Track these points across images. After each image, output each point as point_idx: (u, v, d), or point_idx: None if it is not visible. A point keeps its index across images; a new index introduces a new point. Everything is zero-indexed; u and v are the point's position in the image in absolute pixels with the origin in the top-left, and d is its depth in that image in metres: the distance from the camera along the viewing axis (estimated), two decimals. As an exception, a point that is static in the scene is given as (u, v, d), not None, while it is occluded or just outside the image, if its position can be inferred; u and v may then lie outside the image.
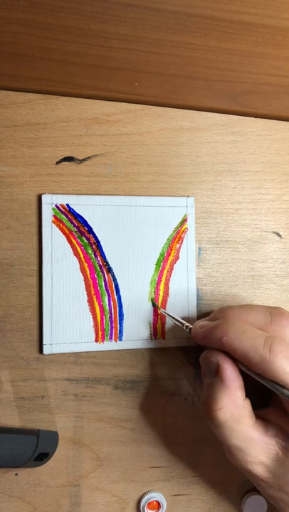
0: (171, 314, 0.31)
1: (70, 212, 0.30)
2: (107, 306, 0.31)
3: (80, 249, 0.30)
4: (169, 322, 0.32)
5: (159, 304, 0.31)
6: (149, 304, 0.31)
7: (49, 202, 0.30)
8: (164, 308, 0.31)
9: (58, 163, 0.31)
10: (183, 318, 0.32)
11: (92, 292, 0.30)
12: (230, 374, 0.25)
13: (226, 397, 0.25)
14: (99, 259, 0.31)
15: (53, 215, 0.30)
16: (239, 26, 0.23)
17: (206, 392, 0.26)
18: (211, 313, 0.29)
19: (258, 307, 0.28)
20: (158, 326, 0.31)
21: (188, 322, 0.30)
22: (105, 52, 0.26)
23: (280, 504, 0.26)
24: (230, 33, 0.24)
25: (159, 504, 0.31)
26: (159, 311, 0.31)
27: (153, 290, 0.31)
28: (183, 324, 0.29)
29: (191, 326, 0.29)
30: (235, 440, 0.25)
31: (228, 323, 0.25)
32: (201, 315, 0.32)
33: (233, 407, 0.25)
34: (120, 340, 0.31)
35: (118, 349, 0.31)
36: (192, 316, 0.32)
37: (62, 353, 0.30)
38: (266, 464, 0.25)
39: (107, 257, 0.31)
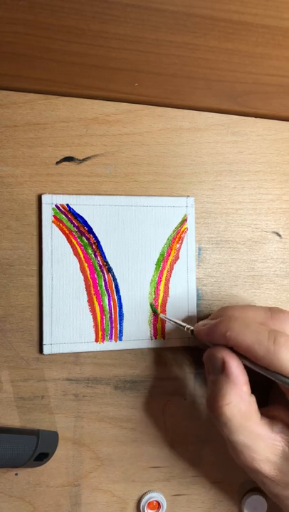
0: (171, 318, 0.31)
1: (70, 212, 0.30)
2: (107, 306, 0.31)
3: (80, 249, 0.30)
4: (169, 322, 0.32)
5: (159, 304, 0.31)
6: (149, 304, 0.31)
7: (49, 202, 0.30)
8: (164, 308, 0.32)
9: (58, 163, 0.31)
10: (183, 319, 0.32)
11: (92, 292, 0.30)
12: (236, 369, 0.25)
13: (233, 393, 0.25)
14: (99, 259, 0.31)
15: (53, 215, 0.30)
16: (239, 26, 0.23)
17: (212, 389, 0.26)
18: (211, 314, 0.30)
19: (257, 306, 0.28)
20: (158, 326, 0.31)
21: (188, 324, 0.30)
22: (105, 52, 0.26)
23: (287, 502, 0.26)
24: (230, 33, 0.24)
25: (159, 504, 0.31)
26: (159, 316, 0.31)
27: (153, 290, 0.31)
28: (184, 327, 0.29)
29: (191, 328, 0.29)
30: (242, 437, 0.25)
31: (231, 318, 0.26)
32: (201, 315, 0.32)
33: (240, 402, 0.25)
34: (120, 340, 0.31)
35: (118, 349, 0.31)
36: (192, 316, 0.32)
37: (62, 353, 0.30)
38: (273, 460, 0.25)
39: (107, 257, 0.31)
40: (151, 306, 0.31)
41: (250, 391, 0.26)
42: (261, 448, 0.25)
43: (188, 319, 0.32)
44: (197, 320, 0.32)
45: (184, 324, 0.30)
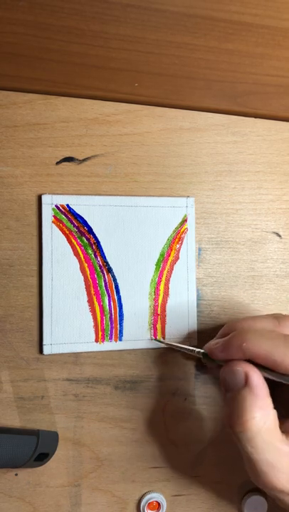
0: (179, 345, 0.30)
1: (70, 212, 0.30)
2: (107, 307, 0.31)
3: (80, 249, 0.30)
4: (169, 322, 0.32)
5: (159, 304, 0.31)
6: (149, 304, 0.31)
7: (49, 202, 0.30)
8: (164, 308, 0.32)
9: (58, 163, 0.31)
10: (183, 320, 0.32)
11: (92, 292, 0.30)
12: (259, 380, 0.24)
13: (258, 406, 0.24)
14: (99, 259, 0.31)
15: (53, 216, 0.30)
16: (239, 27, 0.23)
17: (233, 405, 0.25)
18: (218, 332, 0.29)
19: (262, 315, 0.28)
20: (158, 326, 0.31)
21: (188, 334, 0.30)
22: (105, 52, 0.26)
23: None
24: (230, 33, 0.24)
25: (159, 504, 0.31)
26: (165, 343, 0.31)
27: (153, 290, 0.31)
28: (193, 351, 0.29)
29: (202, 350, 0.28)
30: (268, 455, 0.24)
31: (243, 330, 0.25)
32: (201, 315, 0.32)
33: (265, 416, 0.24)
34: (120, 340, 0.31)
35: (118, 349, 0.31)
36: (192, 316, 0.32)
37: (62, 353, 0.30)
38: None
39: (107, 257, 0.31)
40: (157, 340, 0.31)
41: (272, 405, 0.25)
42: (286, 466, 0.24)
43: (188, 323, 0.32)
44: (197, 335, 0.32)
45: (192, 348, 0.29)
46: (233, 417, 0.25)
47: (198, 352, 0.28)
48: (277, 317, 0.27)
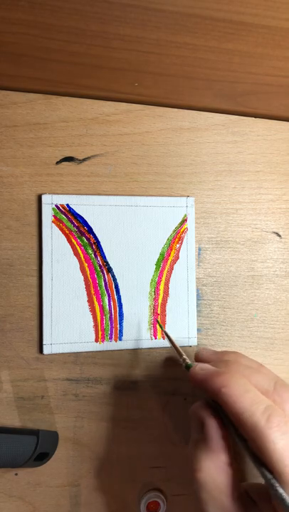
0: (172, 339, 0.30)
1: (70, 212, 0.30)
2: (107, 306, 0.31)
3: (80, 249, 0.30)
4: (168, 322, 0.32)
5: (159, 304, 0.31)
6: (149, 304, 0.31)
7: (49, 202, 0.30)
8: (164, 308, 0.31)
9: (58, 163, 0.31)
10: (182, 320, 0.32)
11: (92, 292, 0.30)
12: (215, 434, 0.23)
13: (208, 460, 0.23)
14: (99, 259, 0.31)
15: (53, 215, 0.30)
16: (239, 27, 0.23)
17: (191, 448, 0.25)
18: (217, 354, 0.28)
19: (264, 371, 0.26)
20: (158, 326, 0.31)
21: (188, 333, 0.29)
22: (105, 52, 0.26)
23: None
24: (230, 33, 0.24)
25: (159, 504, 0.31)
26: (162, 330, 0.31)
27: (153, 290, 0.31)
28: (181, 355, 0.28)
29: (188, 361, 0.27)
30: (212, 509, 0.22)
31: (233, 376, 0.23)
32: (201, 315, 0.32)
33: (215, 471, 0.23)
34: (120, 340, 0.31)
35: (118, 349, 0.31)
36: (192, 316, 0.32)
37: (62, 353, 0.30)
38: None
39: (107, 257, 0.31)
40: (158, 322, 0.31)
41: (230, 461, 0.23)
42: None
43: (188, 322, 0.32)
44: (197, 335, 0.32)
45: (182, 352, 0.28)
46: (189, 460, 0.24)
47: (184, 360, 0.27)
48: (277, 382, 0.24)
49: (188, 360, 0.27)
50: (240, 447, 0.22)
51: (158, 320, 0.31)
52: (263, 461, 0.21)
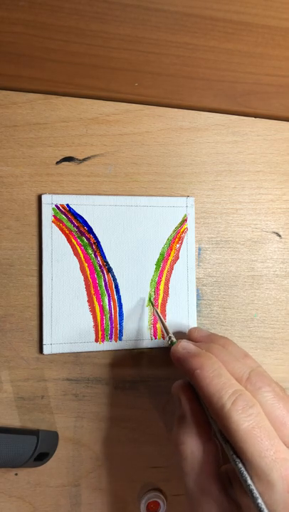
0: (162, 318, 0.30)
1: (70, 212, 0.30)
2: (107, 306, 0.31)
3: (80, 249, 0.30)
4: (169, 322, 0.32)
5: (159, 304, 0.31)
6: (149, 304, 0.31)
7: (49, 202, 0.30)
8: (164, 308, 0.31)
9: (58, 163, 0.31)
10: (182, 320, 0.32)
11: (92, 292, 0.30)
12: (189, 410, 0.25)
13: (186, 434, 0.24)
14: (99, 259, 0.31)
15: (53, 215, 0.30)
16: (239, 26, 0.23)
17: (175, 423, 0.26)
18: (209, 336, 0.28)
19: (246, 361, 0.26)
20: (158, 326, 0.31)
21: (188, 321, 0.29)
22: (105, 52, 0.26)
23: None
24: (230, 33, 0.24)
25: (159, 504, 0.31)
26: (153, 310, 0.31)
27: (153, 290, 0.31)
28: (168, 333, 0.29)
29: (174, 339, 0.28)
30: (192, 484, 0.23)
31: (209, 359, 0.24)
32: (201, 314, 0.32)
33: (194, 445, 0.24)
34: (120, 340, 0.31)
35: (118, 349, 0.31)
36: (192, 316, 0.32)
37: (62, 353, 0.30)
38: None
39: (107, 257, 0.31)
40: (150, 300, 0.31)
41: (207, 437, 0.24)
42: (207, 506, 0.23)
43: (188, 319, 0.32)
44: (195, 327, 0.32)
45: (168, 330, 0.29)
46: (172, 436, 0.25)
47: (170, 338, 0.28)
48: (253, 370, 0.24)
49: (173, 339, 0.28)
50: (213, 428, 0.24)
51: (150, 297, 0.31)
52: (229, 441, 0.22)
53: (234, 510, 0.22)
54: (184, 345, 0.26)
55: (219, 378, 0.23)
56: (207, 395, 0.23)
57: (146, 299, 0.31)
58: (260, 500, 0.20)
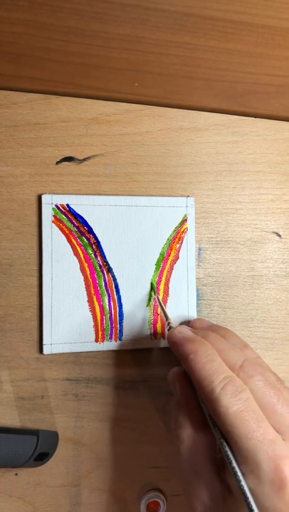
0: (162, 304, 0.31)
1: (70, 212, 0.30)
2: (107, 306, 0.31)
3: (80, 249, 0.30)
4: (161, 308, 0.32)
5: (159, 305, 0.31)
6: (149, 304, 0.31)
7: (49, 202, 0.30)
8: (164, 308, 0.31)
9: (58, 163, 0.31)
10: (182, 319, 0.32)
11: (92, 292, 0.30)
12: (182, 395, 0.25)
13: (183, 418, 0.25)
14: (99, 259, 0.31)
15: (53, 215, 0.30)
16: (239, 26, 0.23)
17: (172, 408, 0.26)
18: (210, 327, 0.29)
19: (244, 350, 0.27)
20: (158, 326, 0.31)
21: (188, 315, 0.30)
22: (105, 52, 0.26)
23: None
24: (230, 33, 0.24)
25: (159, 504, 0.31)
26: (153, 296, 0.31)
27: (153, 290, 0.31)
28: (167, 319, 0.29)
29: (172, 325, 0.28)
30: (187, 466, 0.24)
31: (204, 345, 0.24)
32: (201, 314, 0.32)
33: (191, 429, 0.24)
34: (120, 340, 0.31)
35: (118, 349, 0.31)
36: (192, 316, 0.32)
37: (62, 353, 0.30)
38: (208, 504, 0.23)
39: (107, 257, 0.31)
40: (152, 285, 0.31)
41: (204, 423, 0.24)
42: (200, 489, 0.23)
43: (187, 318, 0.32)
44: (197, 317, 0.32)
45: (169, 318, 0.29)
46: (169, 423, 0.26)
47: (168, 324, 0.29)
48: (247, 359, 0.25)
49: (172, 324, 0.28)
50: (205, 413, 0.24)
51: (152, 285, 0.31)
52: (218, 425, 0.22)
53: (226, 494, 0.22)
54: (181, 330, 0.27)
55: (212, 363, 0.23)
56: (198, 379, 0.23)
57: (148, 287, 0.31)
58: (242, 483, 0.20)
